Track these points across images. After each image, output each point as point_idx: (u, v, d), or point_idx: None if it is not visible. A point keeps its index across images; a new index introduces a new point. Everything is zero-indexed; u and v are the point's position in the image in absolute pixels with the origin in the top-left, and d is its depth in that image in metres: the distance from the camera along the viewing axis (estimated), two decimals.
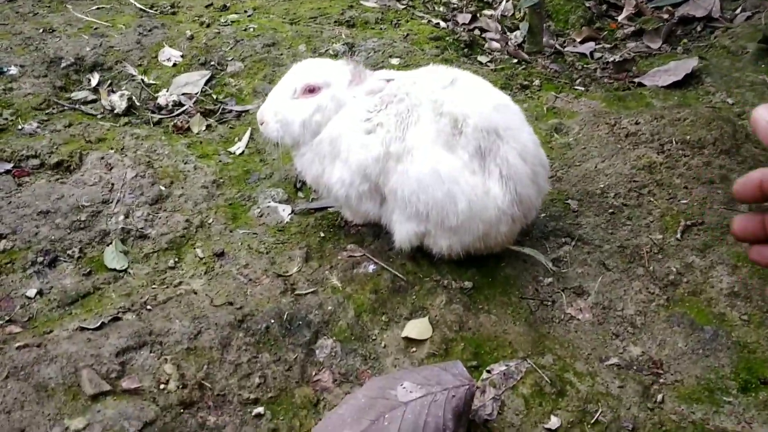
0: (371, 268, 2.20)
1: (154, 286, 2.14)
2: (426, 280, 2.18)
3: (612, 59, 3.79)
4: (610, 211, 2.42)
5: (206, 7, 3.93)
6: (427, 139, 2.03)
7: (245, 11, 3.88)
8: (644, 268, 2.22)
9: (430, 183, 2.02)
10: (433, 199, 2.02)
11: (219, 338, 1.90)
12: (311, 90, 2.15)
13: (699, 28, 4.18)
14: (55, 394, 1.67)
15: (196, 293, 2.09)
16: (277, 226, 2.43)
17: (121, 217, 2.36)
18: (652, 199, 2.45)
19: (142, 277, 2.19)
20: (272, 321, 1.98)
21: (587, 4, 4.41)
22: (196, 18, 3.75)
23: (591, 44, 4.05)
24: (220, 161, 2.74)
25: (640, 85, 3.42)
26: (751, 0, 4.24)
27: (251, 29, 3.59)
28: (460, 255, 2.15)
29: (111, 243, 2.28)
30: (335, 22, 3.81)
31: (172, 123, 2.96)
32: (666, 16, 4.35)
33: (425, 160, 2.02)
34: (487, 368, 1.91)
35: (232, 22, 3.70)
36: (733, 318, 2.06)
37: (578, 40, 4.14)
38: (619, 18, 4.43)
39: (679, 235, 2.31)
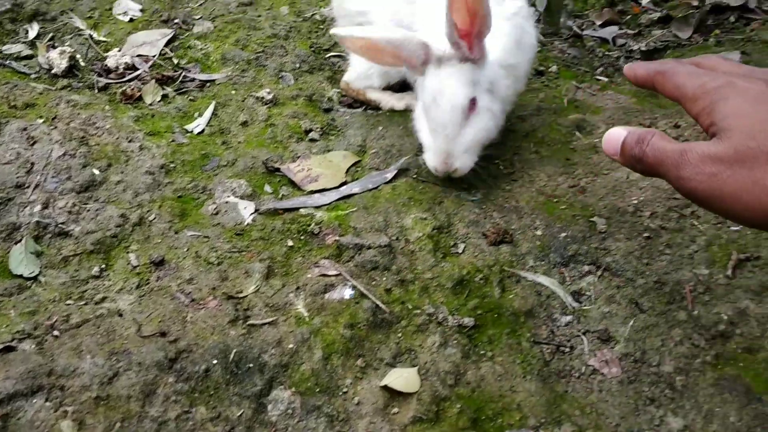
0: (348, 293, 1.74)
1: (68, 302, 1.67)
2: (416, 312, 1.73)
3: (638, 47, 3.32)
4: (645, 234, 1.97)
5: None
6: None
7: None
8: (687, 313, 1.78)
9: None
10: None
11: (141, 384, 1.45)
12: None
13: (733, 19, 3.72)
14: None
15: (121, 315, 1.63)
16: (235, 229, 1.96)
17: (38, 207, 1.88)
18: (696, 223, 2.00)
19: (55, 288, 1.72)
20: (214, 361, 1.53)
21: None
22: None
23: (613, 28, 3.58)
24: (174, 141, 2.26)
25: None
26: None
27: None
28: None
29: (21, 240, 1.80)
30: None
31: (121, 90, 2.46)
32: (695, 2, 3.88)
33: None
34: None
35: None
36: None
37: (598, 23, 3.66)
38: (643, 2, 3.96)
39: (729, 272, 1.87)
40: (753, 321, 1.76)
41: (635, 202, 2.07)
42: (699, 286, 1.84)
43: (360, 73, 2.46)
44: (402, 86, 2.51)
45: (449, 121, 1.93)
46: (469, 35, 1.88)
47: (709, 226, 1.99)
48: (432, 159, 2.00)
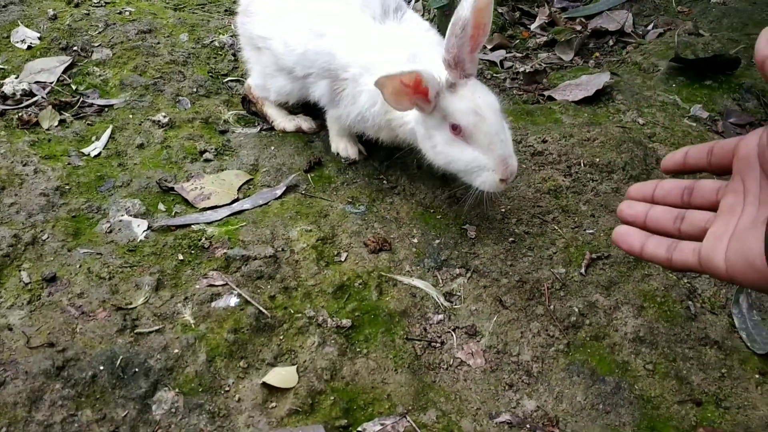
0: (233, 301, 1.87)
1: None
2: (298, 316, 1.87)
3: (522, 69, 3.58)
4: (511, 239, 2.17)
5: None
6: None
7: None
8: (544, 307, 1.98)
9: None
10: None
11: (28, 391, 1.53)
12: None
13: (611, 42, 4.05)
14: None
15: (11, 329, 1.71)
16: (127, 246, 2.05)
17: None
18: (556, 228, 2.22)
19: None
20: (101, 368, 1.62)
21: (500, 10, 4.21)
22: None
23: (502, 52, 3.84)
24: (69, 164, 2.33)
25: (550, 98, 3.22)
26: (663, 17, 4.15)
27: (127, 12, 3.18)
28: None
29: None
30: (226, 11, 3.44)
31: (17, 116, 2.52)
32: (579, 27, 4.20)
33: None
34: (358, 429, 1.62)
35: (106, 3, 3.28)
36: (637, 367, 1.84)
37: (489, 47, 3.92)
38: (532, 27, 4.25)
39: (583, 270, 2.08)
40: (601, 312, 1.98)
41: (503, 210, 2.28)
42: (556, 284, 2.05)
43: (259, 84, 2.58)
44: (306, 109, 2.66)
45: (500, 126, 1.95)
46: (472, 51, 1.95)
47: (567, 230, 2.21)
48: (497, 173, 1.94)
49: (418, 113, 2.05)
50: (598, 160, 2.43)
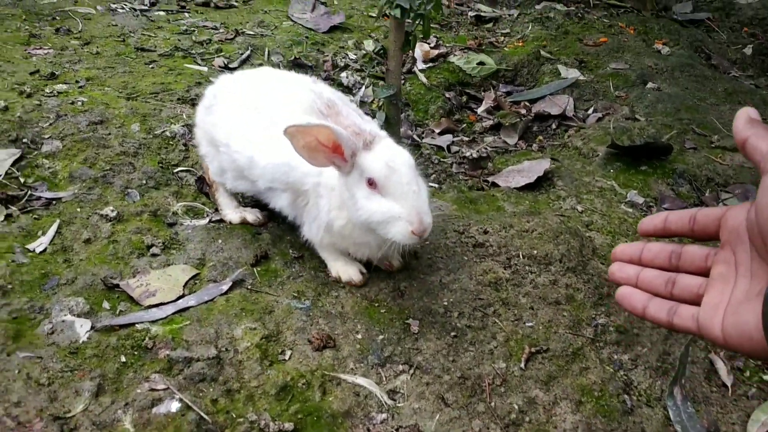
0: (175, 406, 1.86)
1: None
2: (239, 420, 1.87)
3: (468, 155, 3.71)
4: (453, 333, 2.22)
5: (31, 74, 3.51)
6: None
7: (77, 81, 3.50)
8: (485, 404, 2.02)
9: None
10: None
11: None
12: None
13: (554, 126, 4.23)
14: None
15: None
16: (69, 347, 2.04)
17: None
18: (497, 321, 2.28)
19: None
20: None
21: (447, 95, 4.37)
22: (16, 86, 3.33)
23: (449, 137, 3.97)
24: (13, 261, 2.32)
25: (494, 185, 3.33)
26: (602, 102, 4.36)
27: (79, 103, 3.22)
28: None
29: None
30: (179, 99, 3.50)
31: None
32: (523, 111, 4.38)
33: None
34: None
35: (59, 93, 3.31)
36: None
37: (437, 131, 4.06)
38: (479, 110, 4.42)
39: (522, 364, 2.14)
40: (540, 408, 2.02)
41: (446, 303, 2.33)
42: (497, 379, 2.09)
43: (216, 169, 2.61)
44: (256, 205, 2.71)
45: (413, 177, 2.05)
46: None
47: (508, 323, 2.27)
48: (408, 223, 2.00)
49: (342, 177, 2.16)
50: (536, 252, 2.52)
